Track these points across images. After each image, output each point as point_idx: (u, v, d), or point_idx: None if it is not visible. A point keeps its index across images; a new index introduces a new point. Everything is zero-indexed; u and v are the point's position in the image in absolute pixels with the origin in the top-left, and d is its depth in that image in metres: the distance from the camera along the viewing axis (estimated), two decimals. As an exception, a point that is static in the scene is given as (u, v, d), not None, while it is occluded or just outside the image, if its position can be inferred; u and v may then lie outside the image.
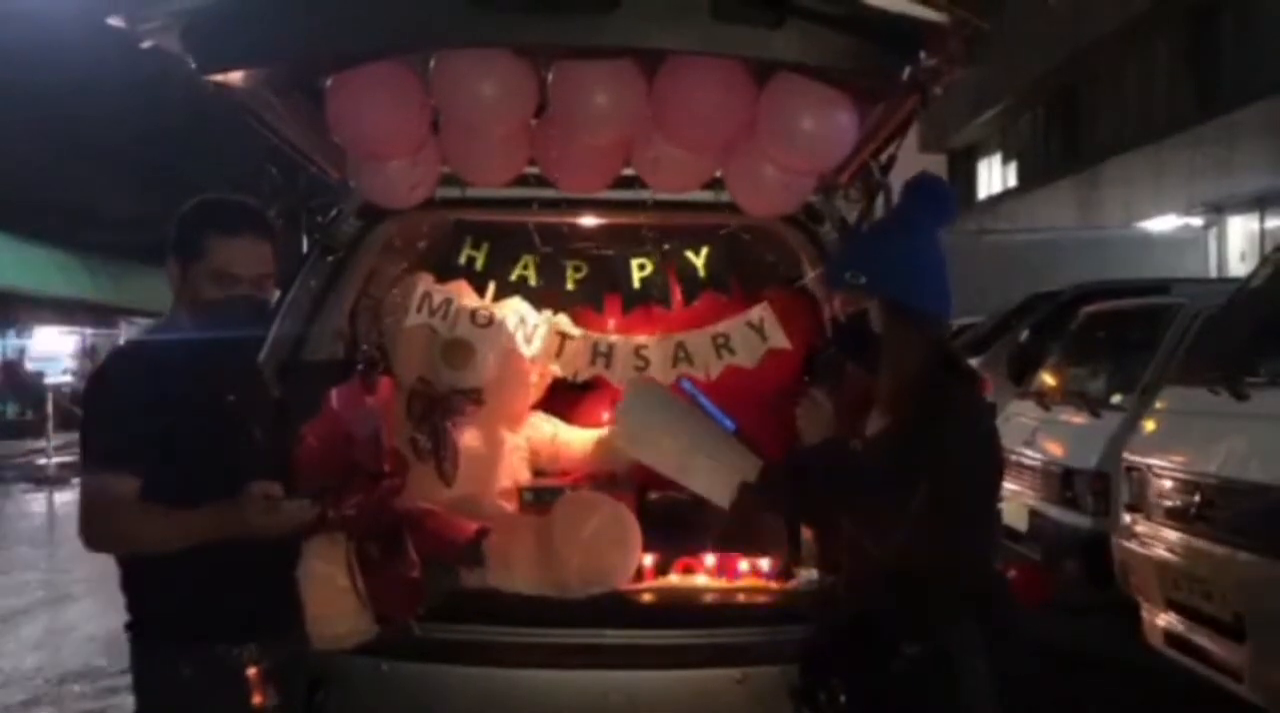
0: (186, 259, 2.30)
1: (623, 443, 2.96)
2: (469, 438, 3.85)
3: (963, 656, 2.24)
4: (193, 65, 2.60)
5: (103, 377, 2.36)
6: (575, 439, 4.25)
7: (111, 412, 2.25)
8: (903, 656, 2.26)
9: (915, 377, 2.32)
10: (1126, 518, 4.93)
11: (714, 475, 2.59)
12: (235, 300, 2.29)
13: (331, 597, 2.83)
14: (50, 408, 14.47)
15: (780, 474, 2.53)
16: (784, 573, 3.41)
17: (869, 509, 2.29)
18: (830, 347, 3.50)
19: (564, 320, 4.24)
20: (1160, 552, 4.55)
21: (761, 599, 3.31)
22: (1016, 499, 6.45)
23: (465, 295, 4.10)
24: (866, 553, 2.39)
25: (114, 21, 2.50)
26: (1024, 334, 8.73)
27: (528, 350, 4.12)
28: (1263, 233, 14.05)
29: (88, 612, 7.00)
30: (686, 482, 2.78)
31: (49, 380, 15.66)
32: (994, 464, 2.43)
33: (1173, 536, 4.47)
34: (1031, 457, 6.47)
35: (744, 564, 3.44)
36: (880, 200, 3.70)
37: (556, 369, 4.22)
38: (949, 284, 2.42)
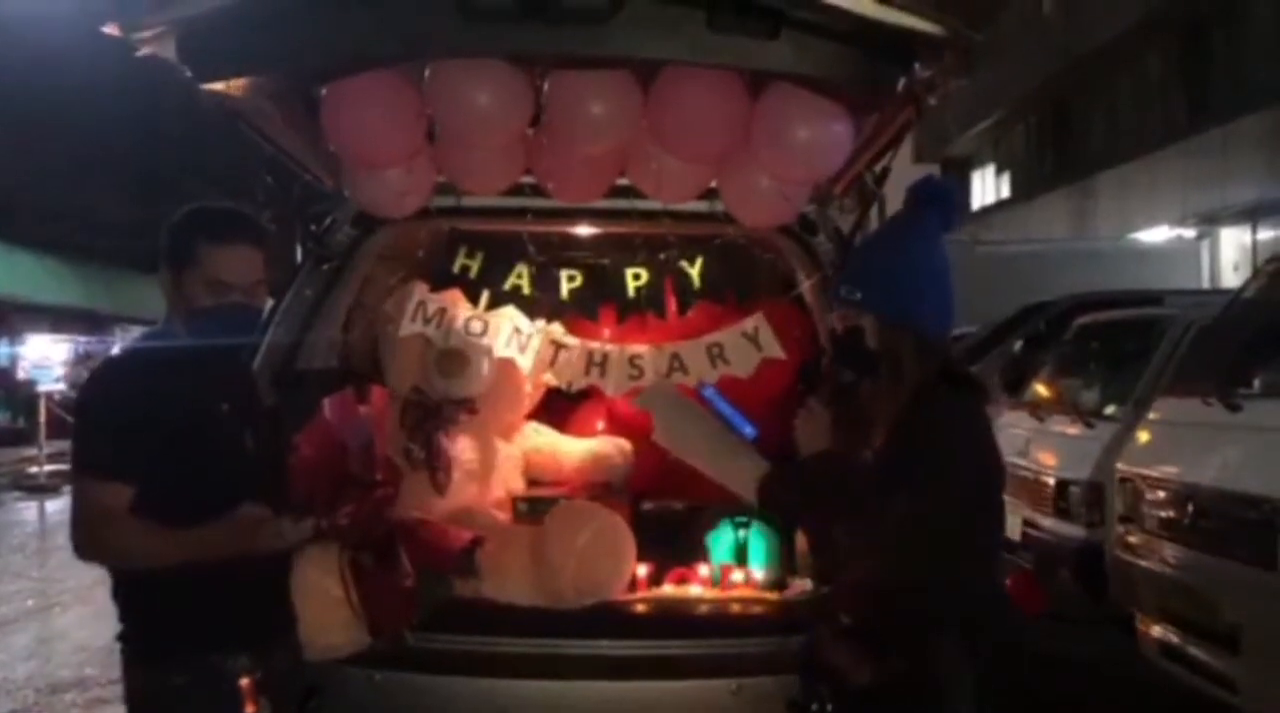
0: (179, 267, 2.30)
1: (658, 438, 3.00)
2: (463, 448, 3.84)
3: (950, 673, 2.23)
4: (188, 74, 2.60)
5: (96, 385, 2.35)
6: (569, 449, 4.24)
7: (104, 420, 2.25)
8: (890, 670, 2.26)
9: (911, 392, 2.31)
10: (1120, 529, 4.93)
11: (742, 473, 2.61)
12: (228, 307, 2.29)
13: (325, 607, 2.82)
14: (42, 416, 14.41)
15: (785, 480, 2.53)
16: (778, 583, 3.41)
17: (858, 523, 2.29)
18: (829, 361, 3.49)
19: (558, 330, 4.23)
20: (1154, 563, 4.55)
21: (756, 610, 3.30)
22: (1010, 510, 6.45)
23: (460, 304, 4.10)
24: (861, 565, 2.39)
25: (109, 30, 2.49)
26: (1017, 345, 8.74)
27: (522, 360, 4.12)
28: (1255, 244, 14.12)
29: (79, 621, 6.97)
30: (722, 479, 2.80)
31: (41, 388, 15.56)
32: (990, 480, 2.40)
33: (1166, 547, 4.48)
34: (1025, 467, 6.47)
35: (738, 574, 3.44)
36: (875, 211, 3.71)
37: (551, 379, 4.22)
38: (950, 296, 2.39)
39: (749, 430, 2.80)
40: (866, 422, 2.47)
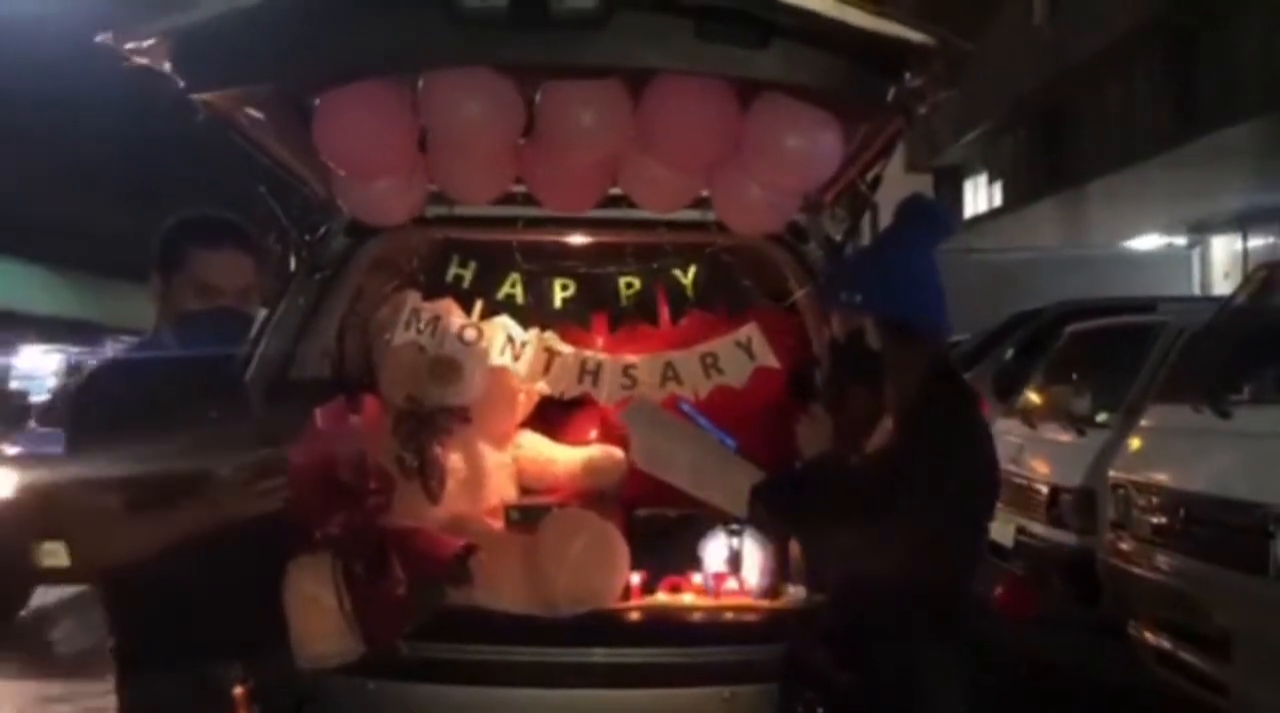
0: (168, 272, 2.31)
1: (639, 461, 3.00)
2: (456, 456, 3.84)
3: (938, 676, 2.24)
4: (181, 84, 2.61)
5: (86, 392, 2.35)
6: (562, 457, 4.24)
7: (94, 427, 2.25)
8: (878, 674, 2.27)
9: (915, 393, 2.34)
10: (1112, 535, 4.95)
11: (729, 486, 2.62)
12: (217, 312, 2.30)
13: (317, 616, 2.81)
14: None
15: (779, 485, 2.55)
16: (772, 591, 3.41)
17: (860, 523, 2.30)
18: (829, 367, 3.50)
19: (552, 338, 4.24)
20: (1146, 569, 4.57)
21: (749, 618, 3.31)
22: (1003, 516, 6.47)
23: (453, 313, 4.10)
24: (853, 568, 2.40)
25: (103, 40, 2.50)
26: (1009, 352, 8.78)
27: (515, 368, 4.12)
28: (1246, 252, 14.18)
29: (70, 631, 6.95)
30: (704, 495, 2.80)
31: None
32: (987, 485, 2.42)
33: (1158, 553, 4.49)
34: (1017, 474, 6.49)
35: (732, 583, 3.44)
36: (866, 219, 3.73)
37: (544, 387, 4.22)
38: (944, 299, 2.44)
39: (729, 442, 2.81)
40: (865, 425, 2.50)
